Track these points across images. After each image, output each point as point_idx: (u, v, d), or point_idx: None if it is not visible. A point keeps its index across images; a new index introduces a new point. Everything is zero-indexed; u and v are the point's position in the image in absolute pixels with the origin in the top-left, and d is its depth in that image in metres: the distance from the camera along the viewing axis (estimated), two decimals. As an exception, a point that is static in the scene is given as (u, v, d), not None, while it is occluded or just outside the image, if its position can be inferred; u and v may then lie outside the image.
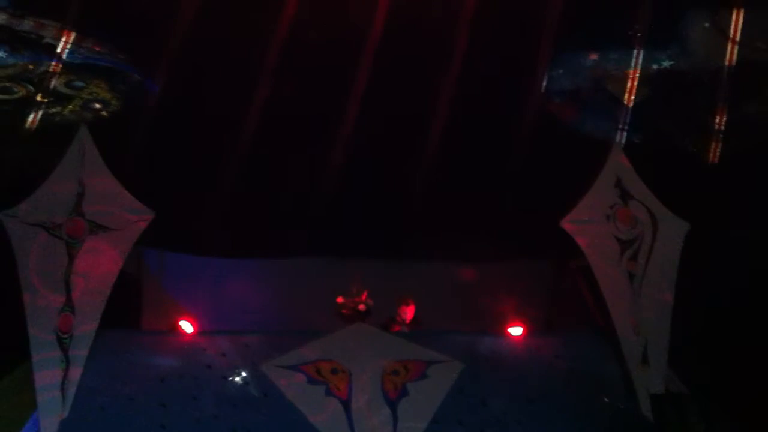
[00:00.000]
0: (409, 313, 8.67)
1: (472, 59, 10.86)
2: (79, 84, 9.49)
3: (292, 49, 10.51)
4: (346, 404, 7.34)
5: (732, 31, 10.70)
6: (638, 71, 11.03)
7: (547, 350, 8.24)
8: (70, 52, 9.47)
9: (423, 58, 10.86)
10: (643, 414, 7.61)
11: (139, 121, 10.03)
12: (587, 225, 8.20)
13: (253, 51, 10.49)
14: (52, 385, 7.08)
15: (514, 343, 8.46)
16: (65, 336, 7.20)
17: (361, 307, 8.42)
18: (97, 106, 9.61)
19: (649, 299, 7.99)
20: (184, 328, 8.35)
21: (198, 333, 8.29)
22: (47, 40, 9.26)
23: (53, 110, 9.58)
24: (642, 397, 7.66)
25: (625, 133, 11.02)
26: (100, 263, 7.51)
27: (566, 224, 8.17)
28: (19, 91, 9.28)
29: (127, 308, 8.89)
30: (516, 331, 8.49)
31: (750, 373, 8.24)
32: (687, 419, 7.58)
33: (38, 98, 9.37)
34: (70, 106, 9.57)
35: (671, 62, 11.00)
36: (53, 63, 9.45)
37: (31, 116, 9.50)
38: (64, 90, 9.47)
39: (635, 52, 11.09)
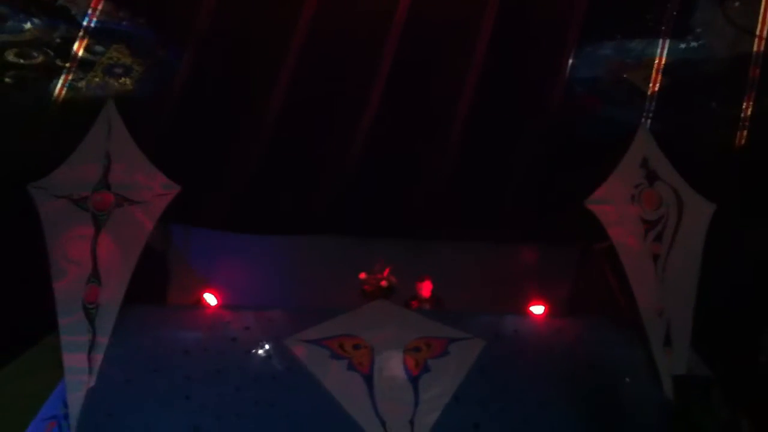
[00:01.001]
0: (425, 288, 8.69)
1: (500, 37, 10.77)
2: (99, 48, 9.42)
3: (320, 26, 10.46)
4: (369, 379, 7.38)
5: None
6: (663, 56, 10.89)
7: (569, 331, 8.22)
8: (87, 16, 9.37)
9: (446, 39, 10.81)
10: (666, 396, 7.58)
11: (164, 94, 10.02)
12: (612, 205, 8.16)
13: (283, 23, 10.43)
14: (79, 355, 7.19)
15: (537, 324, 8.46)
16: (91, 306, 7.30)
17: (384, 283, 8.44)
18: (119, 71, 9.53)
19: (673, 281, 7.94)
20: (208, 300, 8.43)
21: (222, 307, 8.36)
22: (61, 2, 9.14)
23: (78, 78, 9.52)
24: (665, 379, 7.64)
25: (651, 115, 10.90)
26: (127, 236, 7.59)
27: (591, 205, 8.15)
28: (39, 56, 9.24)
29: (153, 283, 8.98)
30: (538, 309, 8.49)
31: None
32: (710, 403, 7.50)
33: (59, 63, 9.29)
34: (93, 73, 9.51)
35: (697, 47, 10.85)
36: (70, 28, 9.29)
37: (58, 85, 9.46)
38: (84, 55, 9.41)
39: (660, 38, 10.97)
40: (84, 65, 9.52)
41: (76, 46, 9.37)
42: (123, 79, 9.63)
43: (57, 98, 9.56)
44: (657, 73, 10.93)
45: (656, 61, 10.91)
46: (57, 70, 9.43)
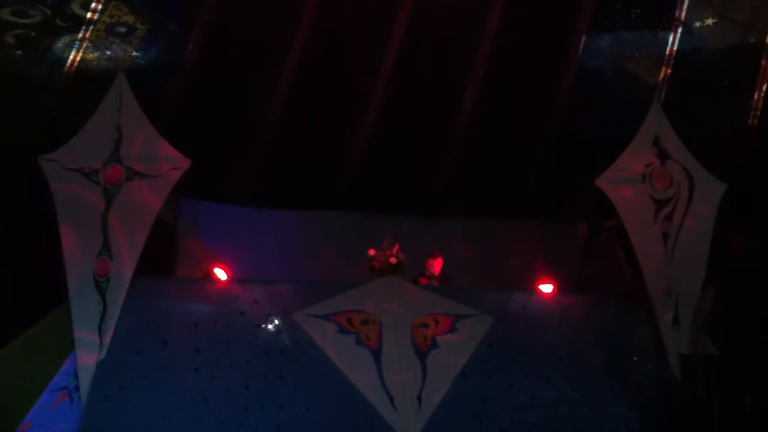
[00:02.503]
0: (436, 265, 8.70)
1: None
2: (99, 7, 9.28)
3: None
4: (377, 354, 7.41)
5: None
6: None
7: (578, 309, 8.21)
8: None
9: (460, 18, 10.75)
10: (673, 375, 7.59)
11: (176, 65, 9.98)
12: (623, 184, 8.14)
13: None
14: (90, 327, 7.24)
15: (545, 301, 8.45)
16: (102, 279, 7.33)
17: (392, 260, 8.43)
18: (122, 30, 9.40)
19: (682, 260, 7.92)
20: (218, 275, 8.46)
21: (232, 281, 8.39)
22: None
23: (83, 39, 9.35)
24: (672, 358, 7.65)
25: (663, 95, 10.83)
26: (137, 209, 7.60)
27: (601, 183, 8.13)
28: (36, 15, 9.12)
29: (162, 256, 9.02)
30: (547, 288, 8.48)
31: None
32: (717, 381, 7.53)
33: (59, 23, 9.16)
34: (96, 32, 9.36)
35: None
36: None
37: (72, 56, 9.33)
38: (82, 13, 9.27)
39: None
40: (86, 24, 9.37)
41: (73, 4, 9.22)
42: (128, 39, 9.46)
43: (70, 65, 9.47)
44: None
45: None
46: (59, 30, 9.30)
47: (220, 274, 8.47)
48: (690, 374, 7.58)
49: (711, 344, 7.93)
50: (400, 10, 10.38)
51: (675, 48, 10.76)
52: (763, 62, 10.48)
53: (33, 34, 9.30)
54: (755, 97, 10.52)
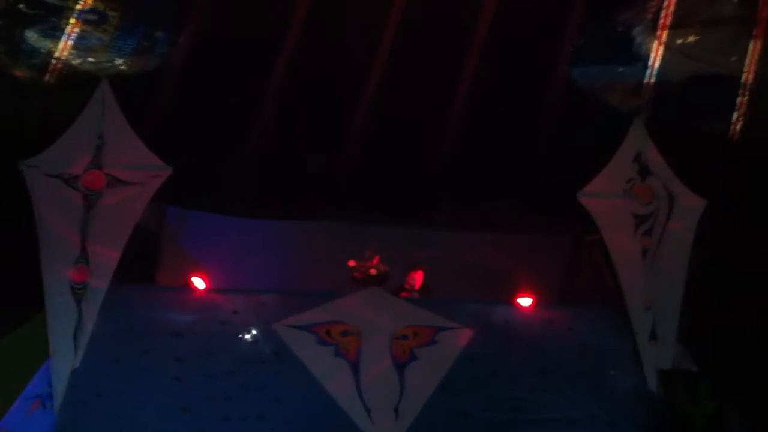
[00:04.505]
0: (417, 279, 8.71)
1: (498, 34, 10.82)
2: None
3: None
4: (355, 366, 7.40)
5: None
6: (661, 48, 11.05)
7: (560, 322, 8.24)
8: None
9: (450, 23, 10.80)
10: (651, 390, 7.60)
11: (161, 71, 9.95)
12: (604, 199, 8.17)
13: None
14: (65, 334, 7.19)
15: (527, 314, 8.47)
16: (79, 286, 7.29)
17: (372, 271, 8.45)
18: (93, 17, 9.24)
19: (661, 275, 7.95)
20: (196, 284, 8.44)
21: (213, 290, 8.37)
22: None
23: (53, 27, 9.17)
24: (649, 372, 7.67)
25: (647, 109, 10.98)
26: (117, 217, 7.56)
27: (583, 198, 8.15)
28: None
29: (144, 264, 8.99)
30: (525, 302, 8.49)
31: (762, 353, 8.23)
32: (697, 397, 7.53)
33: (23, 9, 8.99)
34: (65, 20, 9.19)
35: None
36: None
37: (46, 46, 9.13)
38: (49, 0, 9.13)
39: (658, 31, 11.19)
40: (53, 11, 9.22)
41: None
42: (102, 26, 9.26)
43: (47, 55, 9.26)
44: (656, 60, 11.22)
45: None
46: (25, 17, 9.10)
47: (198, 283, 8.45)
48: (668, 389, 7.57)
49: (689, 359, 7.94)
50: (391, 17, 10.40)
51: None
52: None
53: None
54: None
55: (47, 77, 9.42)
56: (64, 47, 9.41)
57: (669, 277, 7.92)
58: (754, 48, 11.33)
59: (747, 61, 11.31)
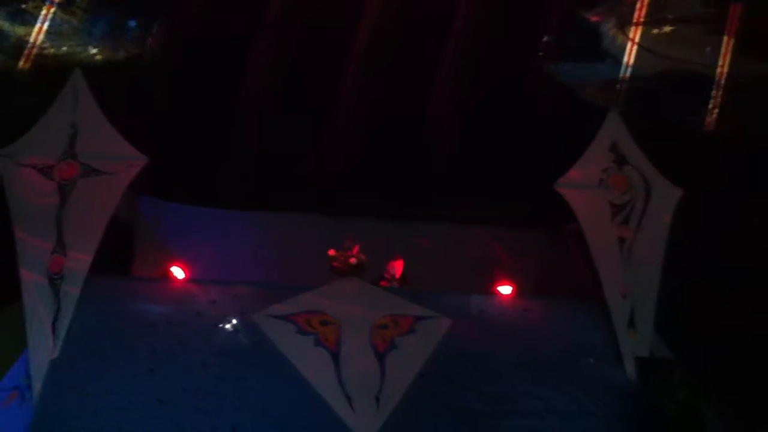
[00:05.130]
0: (397, 268, 8.72)
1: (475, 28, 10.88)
2: None
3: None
4: (335, 355, 7.37)
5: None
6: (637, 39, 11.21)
7: (536, 312, 8.30)
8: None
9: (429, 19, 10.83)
10: (629, 378, 7.66)
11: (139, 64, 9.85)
12: (580, 189, 8.23)
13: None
14: (43, 325, 7.09)
15: (504, 304, 8.53)
16: (56, 277, 7.20)
17: (352, 260, 8.44)
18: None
19: (637, 264, 8.03)
20: (175, 274, 8.37)
21: (189, 281, 8.30)
22: None
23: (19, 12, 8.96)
24: (627, 360, 7.73)
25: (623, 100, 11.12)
26: (92, 206, 7.46)
27: (560, 188, 8.20)
28: None
29: (119, 255, 8.88)
30: (505, 290, 8.54)
31: (736, 340, 8.35)
32: (671, 384, 7.62)
33: None
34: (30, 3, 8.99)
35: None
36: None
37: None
38: None
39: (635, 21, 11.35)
40: None
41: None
42: (70, 9, 9.03)
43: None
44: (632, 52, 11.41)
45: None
46: None
47: (178, 272, 8.38)
48: (645, 377, 7.65)
49: (666, 347, 8.04)
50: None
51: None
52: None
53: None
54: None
55: (22, 64, 9.27)
56: (38, 32, 9.23)
57: (646, 266, 7.99)
58: (726, 43, 11.48)
59: (720, 56, 11.47)
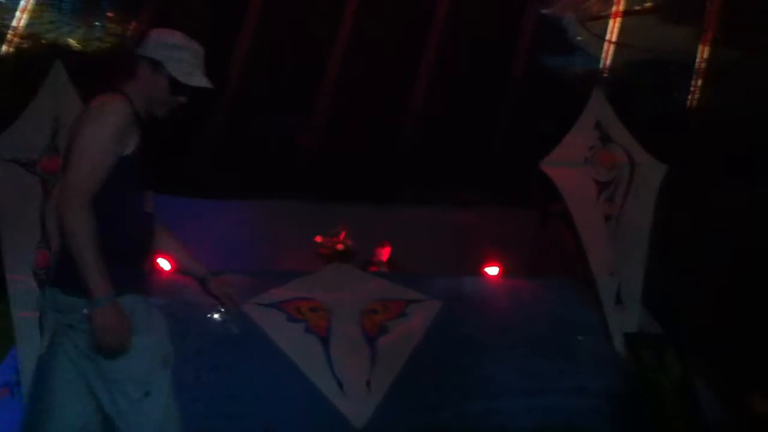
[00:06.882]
0: (384, 253, 8.75)
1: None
2: None
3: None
4: (325, 341, 7.36)
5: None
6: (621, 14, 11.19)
7: (526, 292, 8.32)
8: None
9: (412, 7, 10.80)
10: (619, 355, 7.69)
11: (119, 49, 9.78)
12: (566, 167, 8.22)
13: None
14: (30, 320, 7.02)
15: (494, 285, 8.54)
16: (42, 272, 7.17)
17: (340, 246, 8.46)
18: None
19: (624, 241, 8.05)
20: (161, 265, 8.32)
21: (177, 271, 8.26)
22: None
23: None
24: (616, 337, 7.75)
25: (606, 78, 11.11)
26: (77, 199, 7.41)
27: (545, 166, 8.20)
28: None
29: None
30: (492, 270, 8.56)
31: (728, 316, 8.37)
32: (663, 360, 7.64)
33: None
34: None
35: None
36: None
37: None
38: None
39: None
40: None
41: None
42: None
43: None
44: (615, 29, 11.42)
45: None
46: None
47: (164, 264, 8.34)
48: (635, 354, 7.66)
49: (656, 323, 8.05)
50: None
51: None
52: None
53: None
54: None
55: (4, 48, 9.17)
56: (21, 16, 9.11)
57: (632, 242, 8.01)
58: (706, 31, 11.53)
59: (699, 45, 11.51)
